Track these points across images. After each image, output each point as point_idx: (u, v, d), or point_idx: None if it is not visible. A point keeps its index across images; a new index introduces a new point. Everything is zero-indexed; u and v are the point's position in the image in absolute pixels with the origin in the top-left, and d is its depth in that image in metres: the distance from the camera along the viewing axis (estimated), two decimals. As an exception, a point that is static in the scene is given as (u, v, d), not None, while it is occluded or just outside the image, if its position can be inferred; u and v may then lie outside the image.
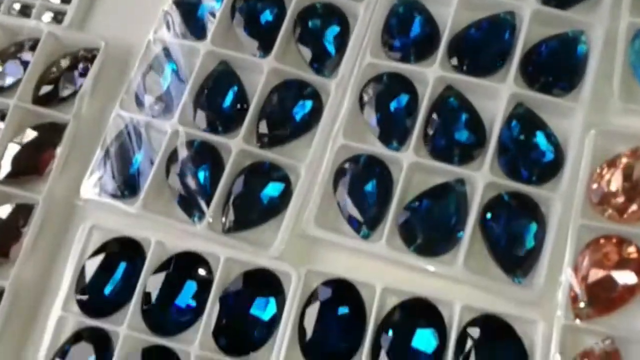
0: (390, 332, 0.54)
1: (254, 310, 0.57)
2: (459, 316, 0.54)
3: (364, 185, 0.59)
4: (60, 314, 0.59)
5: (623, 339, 0.52)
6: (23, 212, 0.63)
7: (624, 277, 0.53)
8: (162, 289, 0.58)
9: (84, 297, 0.59)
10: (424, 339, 0.54)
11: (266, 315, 0.57)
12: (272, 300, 0.57)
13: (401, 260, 0.56)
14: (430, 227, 0.57)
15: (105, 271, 0.60)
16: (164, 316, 0.58)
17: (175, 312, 0.58)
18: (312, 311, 0.56)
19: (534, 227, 0.56)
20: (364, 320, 0.56)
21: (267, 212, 0.60)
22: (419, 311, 0.55)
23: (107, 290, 0.59)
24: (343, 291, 0.56)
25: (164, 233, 0.60)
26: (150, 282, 0.59)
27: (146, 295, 0.58)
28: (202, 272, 0.59)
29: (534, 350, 0.53)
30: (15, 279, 0.60)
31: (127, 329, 0.58)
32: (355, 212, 0.58)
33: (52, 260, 0.62)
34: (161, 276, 0.59)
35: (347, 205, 0.59)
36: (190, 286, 0.58)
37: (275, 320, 0.57)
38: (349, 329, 0.55)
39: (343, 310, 0.56)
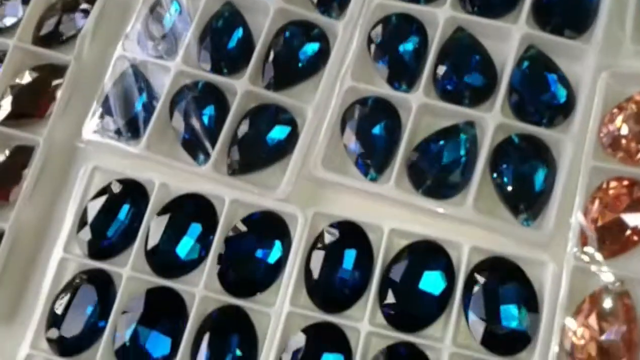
0: (398, 274, 0.54)
1: (259, 254, 0.56)
2: (467, 258, 0.54)
3: (372, 128, 0.58)
4: (62, 256, 0.58)
5: (633, 280, 0.52)
6: (23, 154, 0.62)
7: (635, 220, 0.53)
8: (166, 230, 0.57)
9: (87, 240, 0.58)
10: (431, 281, 0.53)
11: (271, 258, 0.56)
12: (278, 243, 0.56)
13: (410, 201, 0.56)
14: (440, 169, 0.56)
15: (108, 213, 0.59)
16: (168, 258, 0.57)
17: (180, 254, 0.57)
18: (319, 253, 0.55)
19: (543, 169, 0.55)
20: (372, 262, 0.55)
21: (273, 155, 0.59)
22: (427, 253, 0.54)
23: (110, 232, 0.58)
24: (350, 233, 0.56)
25: (167, 175, 0.59)
26: (154, 224, 0.58)
27: (150, 237, 0.58)
28: (206, 214, 0.58)
29: (543, 292, 0.53)
30: (15, 221, 0.59)
31: (131, 270, 0.57)
32: (362, 155, 0.57)
33: (53, 202, 0.61)
34: (165, 218, 0.58)
35: (355, 148, 0.58)
36: (195, 228, 0.58)
37: (281, 262, 0.56)
38: (356, 271, 0.55)
39: (350, 252, 0.55)
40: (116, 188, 0.59)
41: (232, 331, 0.55)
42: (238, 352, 0.54)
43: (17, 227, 0.59)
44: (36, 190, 0.61)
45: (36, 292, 0.58)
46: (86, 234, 0.58)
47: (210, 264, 0.56)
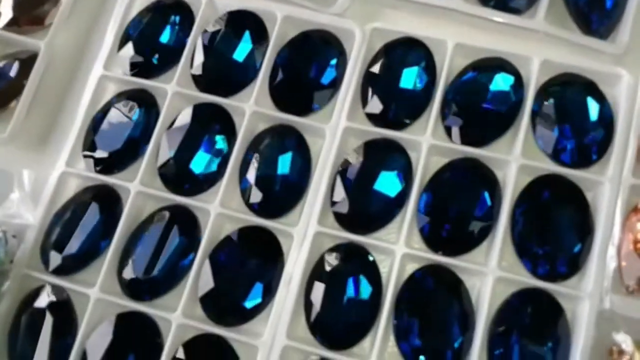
0: (462, 90, 0.51)
1: (312, 73, 0.53)
2: (537, 74, 0.51)
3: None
4: (102, 73, 0.55)
5: None
6: (60, -25, 0.59)
7: None
8: (214, 49, 0.54)
9: (129, 56, 0.55)
10: (498, 97, 0.50)
11: (326, 78, 0.53)
12: (333, 61, 0.53)
13: (478, 14, 0.52)
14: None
15: (150, 31, 0.56)
16: (216, 75, 0.54)
17: (231, 70, 0.54)
18: (377, 70, 0.52)
19: (616, -15, 0.52)
20: (434, 78, 0.52)
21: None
22: (493, 69, 0.51)
23: (153, 51, 0.55)
24: (412, 49, 0.53)
25: (214, -9, 0.56)
26: (201, 41, 0.55)
27: (196, 56, 0.54)
28: (257, 32, 0.55)
29: (618, 108, 0.50)
30: (50, 41, 0.56)
31: (177, 86, 0.54)
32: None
33: (92, 24, 0.59)
34: (212, 36, 0.54)
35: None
36: (244, 47, 0.54)
37: (337, 82, 0.53)
38: (418, 87, 0.51)
39: (411, 70, 0.52)
40: (159, 7, 0.56)
41: (284, 150, 0.52)
42: (290, 170, 0.51)
43: (53, 48, 0.56)
44: (73, 13, 0.58)
45: (72, 115, 0.55)
46: (128, 50, 0.55)
47: (260, 82, 0.53)
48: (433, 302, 0.48)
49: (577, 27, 0.52)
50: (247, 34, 0.54)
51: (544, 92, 0.51)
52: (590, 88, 0.50)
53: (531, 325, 0.46)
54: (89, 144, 0.54)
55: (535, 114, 0.50)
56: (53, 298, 0.51)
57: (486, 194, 0.49)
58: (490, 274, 0.47)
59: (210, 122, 0.53)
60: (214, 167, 0.52)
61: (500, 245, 0.48)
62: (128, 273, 0.51)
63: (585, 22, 0.52)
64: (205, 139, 0.53)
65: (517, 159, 0.49)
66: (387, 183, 0.50)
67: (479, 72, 0.51)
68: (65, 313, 0.51)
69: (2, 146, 0.55)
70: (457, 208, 0.49)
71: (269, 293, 0.49)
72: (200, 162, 0.52)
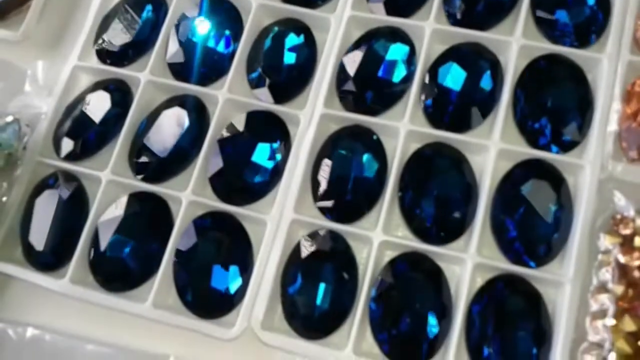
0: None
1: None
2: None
3: None
4: (113, -22, 0.57)
5: None
6: None
7: None
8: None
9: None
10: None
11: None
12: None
13: None
14: None
15: None
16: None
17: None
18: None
19: None
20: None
21: None
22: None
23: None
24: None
25: None
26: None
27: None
28: None
29: (614, -7, 0.52)
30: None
31: (185, -17, 0.56)
32: None
33: None
34: None
35: None
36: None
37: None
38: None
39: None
40: None
41: (290, 41, 0.53)
42: (296, 60, 0.53)
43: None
44: None
45: (83, 16, 0.57)
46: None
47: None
48: (436, 175, 0.49)
49: None
50: None
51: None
52: None
53: (533, 194, 0.47)
54: (101, 42, 0.55)
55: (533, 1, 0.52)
56: (65, 181, 0.52)
57: (488, 73, 0.50)
58: (493, 146, 0.48)
59: (218, 16, 0.55)
60: (221, 60, 0.54)
61: (502, 123, 0.49)
62: (139, 156, 0.52)
63: None
64: (213, 33, 0.54)
65: (517, 40, 0.50)
66: (392, 69, 0.51)
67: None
68: (77, 196, 0.52)
69: (16, 45, 0.57)
70: (460, 89, 0.50)
71: (277, 173, 0.51)
72: (208, 55, 0.54)
